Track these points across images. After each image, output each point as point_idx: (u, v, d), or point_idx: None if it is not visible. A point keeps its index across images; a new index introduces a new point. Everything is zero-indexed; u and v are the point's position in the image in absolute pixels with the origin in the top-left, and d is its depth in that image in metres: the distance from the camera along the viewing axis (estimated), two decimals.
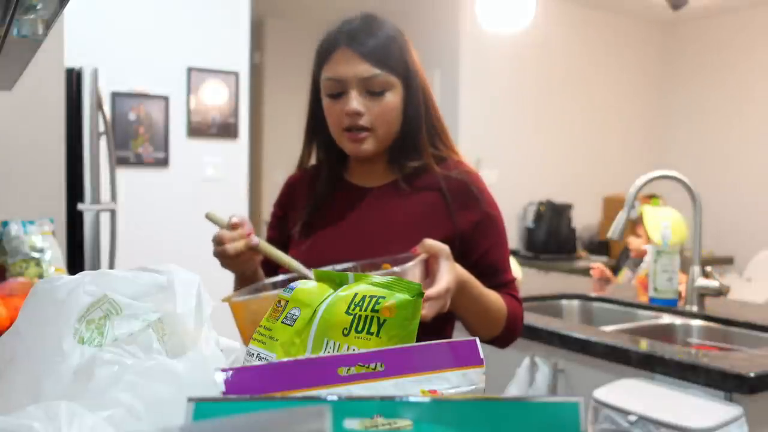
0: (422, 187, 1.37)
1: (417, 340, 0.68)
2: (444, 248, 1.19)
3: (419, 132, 1.36)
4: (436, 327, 1.33)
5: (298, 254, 1.39)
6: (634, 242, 3.52)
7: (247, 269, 1.29)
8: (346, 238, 1.37)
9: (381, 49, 1.30)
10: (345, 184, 1.44)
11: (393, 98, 1.31)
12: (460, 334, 1.20)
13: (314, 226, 1.41)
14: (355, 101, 1.29)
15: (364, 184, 1.42)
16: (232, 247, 1.20)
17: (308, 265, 1.27)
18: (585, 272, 4.81)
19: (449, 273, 1.17)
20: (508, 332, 1.36)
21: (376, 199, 1.39)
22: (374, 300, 0.69)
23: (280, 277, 1.24)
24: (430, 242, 1.19)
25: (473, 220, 1.35)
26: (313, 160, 1.50)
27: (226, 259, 1.23)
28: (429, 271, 1.19)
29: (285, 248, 1.36)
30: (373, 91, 1.29)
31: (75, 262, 2.49)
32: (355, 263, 1.22)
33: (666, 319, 2.27)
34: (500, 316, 1.33)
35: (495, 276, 1.36)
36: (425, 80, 1.38)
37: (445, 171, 1.38)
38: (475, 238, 1.35)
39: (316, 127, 1.42)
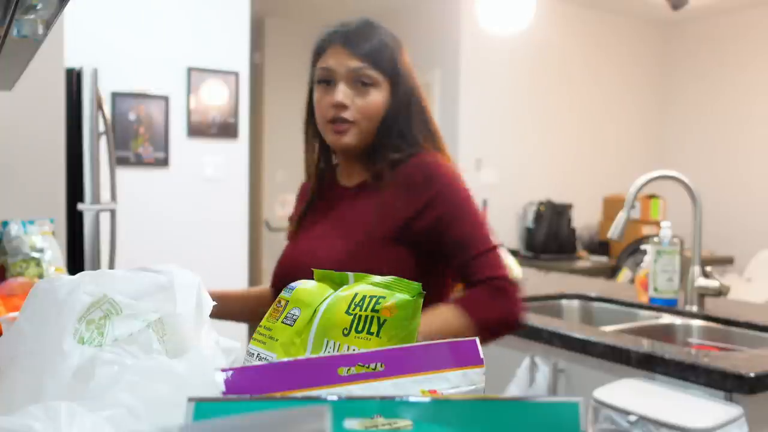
0: (376, 187, 1.38)
1: None
2: None
3: (391, 133, 1.39)
4: None
5: (288, 249, 1.46)
6: None
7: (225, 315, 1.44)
8: (323, 237, 1.41)
9: (372, 51, 1.35)
10: (333, 184, 1.49)
11: (378, 95, 1.36)
12: None
13: (303, 223, 1.49)
14: (342, 93, 1.34)
15: (345, 183, 1.46)
16: None
17: (292, 260, 1.40)
18: (585, 272, 4.81)
19: None
20: (494, 327, 1.31)
21: (350, 198, 1.43)
22: (374, 300, 0.69)
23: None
24: None
25: (418, 208, 1.33)
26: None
27: None
28: None
29: None
30: (360, 82, 1.34)
31: (75, 262, 2.49)
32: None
33: (666, 319, 2.27)
34: (469, 332, 1.23)
35: (463, 252, 1.32)
36: (416, 86, 1.41)
37: (398, 168, 1.38)
38: (432, 223, 1.33)
39: (312, 123, 1.46)
